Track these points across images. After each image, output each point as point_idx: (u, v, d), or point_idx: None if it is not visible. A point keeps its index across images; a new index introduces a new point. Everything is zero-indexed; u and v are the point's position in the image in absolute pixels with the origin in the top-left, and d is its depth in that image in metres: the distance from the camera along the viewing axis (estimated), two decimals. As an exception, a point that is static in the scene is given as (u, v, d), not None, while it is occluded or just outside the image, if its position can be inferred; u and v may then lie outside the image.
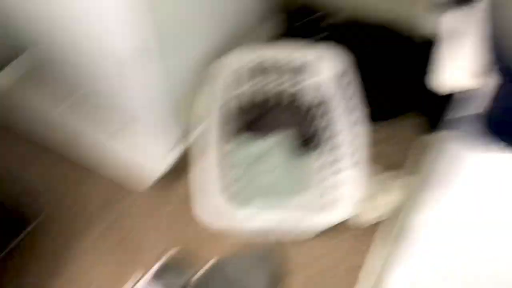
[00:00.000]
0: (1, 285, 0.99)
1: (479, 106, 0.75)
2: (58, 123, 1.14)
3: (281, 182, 1.03)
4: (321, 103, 1.08)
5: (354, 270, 0.94)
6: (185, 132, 1.16)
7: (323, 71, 1.06)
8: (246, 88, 1.12)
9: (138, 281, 0.99)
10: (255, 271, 0.95)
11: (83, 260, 1.03)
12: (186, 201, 1.09)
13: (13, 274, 1.01)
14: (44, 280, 1.02)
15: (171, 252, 1.02)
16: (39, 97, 1.16)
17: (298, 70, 1.10)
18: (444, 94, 0.78)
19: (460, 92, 0.77)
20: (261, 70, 1.10)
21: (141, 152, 1.09)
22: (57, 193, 1.12)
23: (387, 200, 0.99)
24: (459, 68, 0.72)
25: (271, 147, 1.09)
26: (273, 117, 1.15)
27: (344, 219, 0.89)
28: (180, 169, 1.13)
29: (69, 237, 1.06)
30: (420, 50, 1.00)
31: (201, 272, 0.98)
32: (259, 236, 0.99)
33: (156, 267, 0.99)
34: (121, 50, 0.84)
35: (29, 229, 1.04)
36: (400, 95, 1.13)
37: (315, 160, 1.06)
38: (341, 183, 0.93)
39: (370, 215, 0.99)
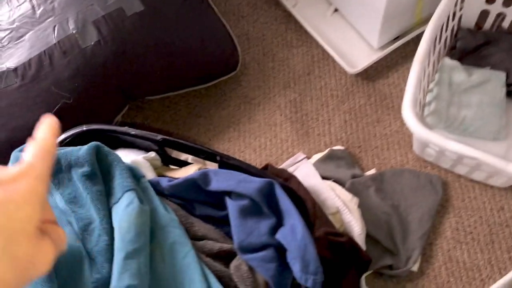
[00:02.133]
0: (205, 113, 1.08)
1: None
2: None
3: (485, 121, 0.98)
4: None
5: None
6: (401, 33, 1.11)
7: None
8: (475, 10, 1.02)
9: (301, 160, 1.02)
10: (423, 193, 0.96)
11: (267, 116, 1.08)
12: (381, 100, 1.08)
13: (213, 105, 1.09)
14: (237, 117, 1.08)
15: (341, 146, 1.04)
16: None
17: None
18: None
19: None
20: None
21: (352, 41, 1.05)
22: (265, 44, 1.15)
23: None
24: None
25: (483, 82, 1.02)
26: (493, 51, 1.06)
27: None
28: (385, 67, 1.11)
29: (260, 93, 1.10)
30: None
31: (372, 171, 1.00)
32: (438, 164, 0.99)
33: (327, 151, 1.02)
34: None
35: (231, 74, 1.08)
36: None
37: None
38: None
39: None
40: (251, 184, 0.61)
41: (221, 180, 0.62)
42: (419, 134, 0.84)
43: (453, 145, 0.81)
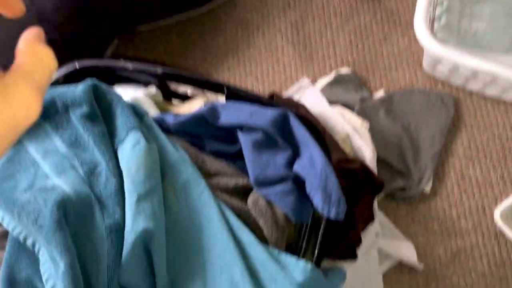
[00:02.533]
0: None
1: None
2: None
3: (498, 33, 0.93)
4: None
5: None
6: None
7: None
8: None
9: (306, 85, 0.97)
10: (434, 112, 0.93)
11: (267, 41, 1.01)
12: (387, 16, 1.01)
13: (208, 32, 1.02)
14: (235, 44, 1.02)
15: (348, 69, 0.99)
16: None
17: None
18: None
19: None
20: None
21: None
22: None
23: None
24: None
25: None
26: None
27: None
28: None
29: (258, 16, 1.02)
30: None
31: (380, 93, 0.96)
32: (449, 82, 0.95)
33: (333, 74, 0.97)
34: None
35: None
36: None
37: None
38: None
39: None
40: (264, 116, 0.57)
41: (231, 113, 0.58)
42: (433, 50, 0.79)
43: (470, 60, 0.77)
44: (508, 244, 0.86)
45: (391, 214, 0.89)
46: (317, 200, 0.54)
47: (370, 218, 0.84)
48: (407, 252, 0.86)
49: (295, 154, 0.58)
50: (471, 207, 0.88)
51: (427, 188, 0.90)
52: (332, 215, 0.53)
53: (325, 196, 0.53)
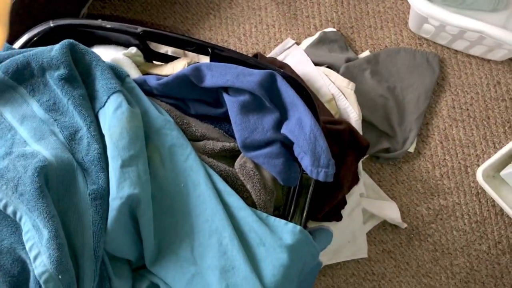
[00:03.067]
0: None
1: None
2: None
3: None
4: None
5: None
6: None
7: None
8: None
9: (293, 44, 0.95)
10: (419, 72, 0.92)
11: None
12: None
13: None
14: (217, 2, 0.98)
15: (333, 28, 0.96)
16: None
17: None
18: None
19: None
20: None
21: None
22: None
23: None
24: None
25: None
26: None
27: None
28: None
29: None
30: None
31: (366, 53, 0.95)
32: (434, 41, 0.93)
33: (317, 34, 0.95)
34: None
35: None
36: None
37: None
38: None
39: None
40: (251, 77, 0.55)
41: (217, 75, 0.56)
42: (421, 8, 0.77)
43: (457, 19, 0.76)
44: (489, 203, 0.88)
45: (375, 174, 0.90)
46: (306, 162, 0.53)
47: (355, 179, 0.85)
48: (391, 211, 0.87)
49: (283, 116, 0.57)
50: (454, 167, 0.89)
51: (411, 148, 0.90)
52: (321, 177, 0.52)
53: (314, 158, 0.52)
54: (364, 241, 0.86)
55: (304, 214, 0.57)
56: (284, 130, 0.56)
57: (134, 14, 0.97)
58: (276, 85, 0.56)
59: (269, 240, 0.52)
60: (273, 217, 0.54)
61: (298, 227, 0.53)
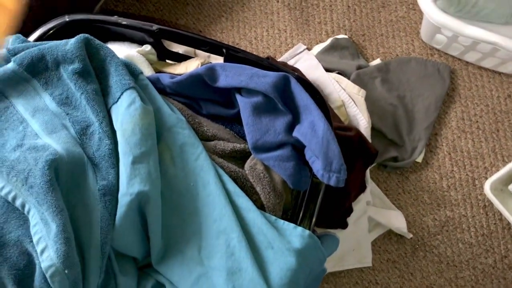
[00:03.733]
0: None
1: None
2: None
3: (498, 4, 0.91)
4: None
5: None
6: None
7: None
8: None
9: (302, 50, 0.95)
10: (430, 82, 0.92)
11: (262, 3, 0.98)
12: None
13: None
14: (230, 5, 0.98)
15: (345, 35, 0.96)
16: None
17: None
18: None
19: None
20: None
21: None
22: None
23: None
24: None
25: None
26: None
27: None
28: None
29: None
30: None
31: (377, 61, 0.95)
32: (446, 52, 0.93)
33: (329, 40, 0.95)
34: None
35: None
36: None
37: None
38: None
39: None
40: (265, 79, 0.55)
41: (231, 75, 0.56)
42: (435, 18, 0.77)
43: (472, 29, 0.76)
44: (496, 216, 0.88)
45: (382, 183, 0.89)
46: (318, 166, 0.53)
47: (362, 187, 0.84)
48: (397, 221, 0.86)
49: (295, 119, 0.57)
50: (461, 178, 0.89)
51: (419, 158, 0.90)
52: (333, 182, 0.52)
53: (326, 162, 0.52)
54: (369, 250, 0.86)
55: (313, 219, 0.56)
56: (296, 133, 0.55)
57: (146, 13, 0.98)
58: (289, 88, 0.56)
59: (278, 243, 0.51)
60: (282, 220, 0.53)
61: (307, 231, 0.52)
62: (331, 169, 0.52)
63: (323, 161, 0.52)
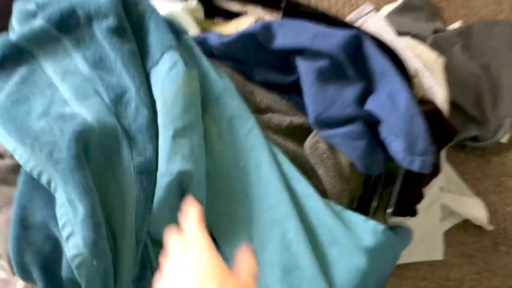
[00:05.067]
0: None
1: None
2: None
3: None
4: None
5: None
6: None
7: None
8: None
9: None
10: None
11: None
12: None
13: None
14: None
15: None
16: None
17: None
18: None
19: None
20: None
21: None
22: None
23: None
24: None
25: None
26: None
27: None
28: None
29: None
30: None
31: (456, 24, 0.82)
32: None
33: (400, 1, 0.82)
34: None
35: None
36: None
37: None
38: None
39: None
40: (332, 38, 0.45)
41: (290, 34, 0.47)
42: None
43: None
44: None
45: (459, 166, 0.79)
46: (397, 147, 0.43)
47: (436, 170, 0.74)
48: (476, 210, 0.76)
49: (369, 88, 0.46)
50: (555, 163, 0.77)
51: (504, 139, 0.78)
52: (416, 167, 0.42)
53: (408, 143, 0.42)
54: (440, 241, 0.76)
55: (388, 210, 0.47)
56: (370, 105, 0.45)
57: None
58: (362, 50, 0.46)
59: (344, 239, 0.43)
60: (349, 211, 0.44)
61: (381, 226, 0.43)
62: (414, 150, 0.42)
63: (405, 140, 0.42)
